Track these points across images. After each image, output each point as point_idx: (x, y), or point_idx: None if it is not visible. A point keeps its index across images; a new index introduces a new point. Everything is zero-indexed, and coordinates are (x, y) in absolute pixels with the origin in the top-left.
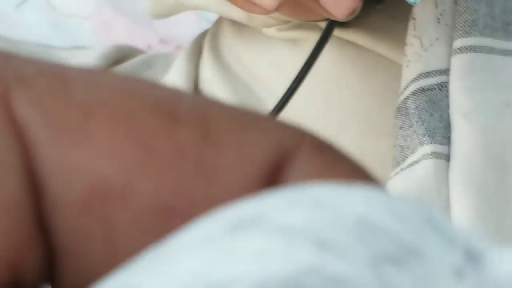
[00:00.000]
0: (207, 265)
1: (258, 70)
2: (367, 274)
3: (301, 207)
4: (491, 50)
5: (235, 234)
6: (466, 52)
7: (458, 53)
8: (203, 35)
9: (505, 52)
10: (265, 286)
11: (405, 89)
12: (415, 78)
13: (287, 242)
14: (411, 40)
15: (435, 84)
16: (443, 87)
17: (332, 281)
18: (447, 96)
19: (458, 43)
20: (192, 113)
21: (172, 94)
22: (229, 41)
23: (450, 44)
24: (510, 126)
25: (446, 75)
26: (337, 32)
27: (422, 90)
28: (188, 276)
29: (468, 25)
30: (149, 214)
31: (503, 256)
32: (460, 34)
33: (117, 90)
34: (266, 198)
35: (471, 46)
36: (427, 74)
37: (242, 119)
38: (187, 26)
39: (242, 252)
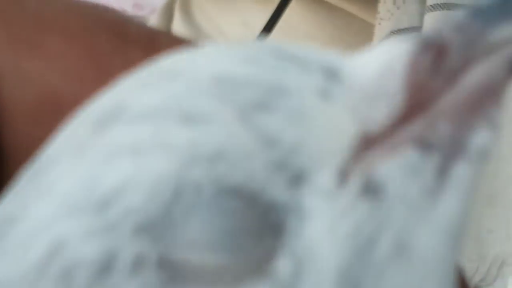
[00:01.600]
0: (89, 175)
1: (228, 29)
2: (239, 130)
3: (156, 85)
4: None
5: (103, 132)
6: (439, 10)
7: (431, 10)
8: None
9: None
10: (160, 185)
11: None
12: (386, 36)
13: (155, 127)
14: None
15: None
16: None
17: (212, 157)
18: None
19: (431, 0)
20: (142, 36)
21: (123, 17)
22: (200, 1)
23: (424, 2)
24: None
25: (419, 32)
26: None
27: None
28: (73, 193)
29: None
30: None
31: (356, 63)
32: None
33: (70, 8)
34: (121, 84)
35: (444, 3)
36: (398, 32)
37: (188, 45)
38: None
39: (117, 152)
